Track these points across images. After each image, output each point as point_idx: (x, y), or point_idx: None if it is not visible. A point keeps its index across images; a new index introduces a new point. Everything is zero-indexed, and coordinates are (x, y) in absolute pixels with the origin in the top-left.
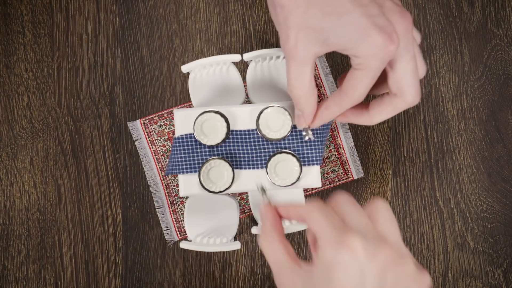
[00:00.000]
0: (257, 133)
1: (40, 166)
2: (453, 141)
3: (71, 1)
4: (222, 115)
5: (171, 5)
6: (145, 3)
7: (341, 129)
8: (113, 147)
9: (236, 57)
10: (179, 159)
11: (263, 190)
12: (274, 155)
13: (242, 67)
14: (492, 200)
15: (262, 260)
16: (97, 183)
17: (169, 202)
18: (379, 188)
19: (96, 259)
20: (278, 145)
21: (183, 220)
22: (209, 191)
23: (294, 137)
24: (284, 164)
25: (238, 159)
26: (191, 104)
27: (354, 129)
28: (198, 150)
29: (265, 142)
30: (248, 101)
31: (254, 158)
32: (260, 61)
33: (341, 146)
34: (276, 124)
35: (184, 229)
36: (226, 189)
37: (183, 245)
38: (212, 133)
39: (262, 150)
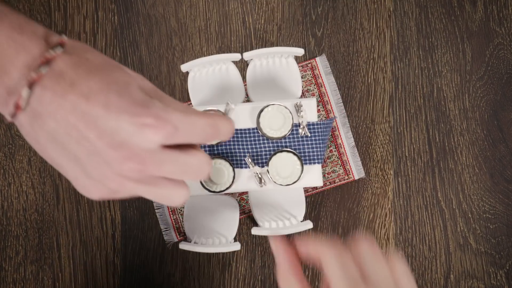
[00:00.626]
0: (258, 132)
1: (38, 166)
2: (455, 141)
3: None
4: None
5: (170, 4)
6: (144, 1)
7: (342, 128)
8: None
9: (236, 56)
10: None
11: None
12: (275, 153)
13: (242, 66)
14: (495, 200)
15: (262, 261)
16: None
17: None
18: (380, 189)
19: (94, 260)
20: (279, 144)
21: (183, 221)
22: (210, 191)
23: (295, 136)
24: (285, 163)
25: (238, 158)
26: (191, 103)
27: (355, 128)
28: None
29: (266, 141)
30: (248, 100)
31: (255, 157)
32: (260, 60)
33: (342, 146)
34: (276, 123)
35: (184, 230)
36: (227, 188)
37: (183, 246)
38: None
39: (263, 149)
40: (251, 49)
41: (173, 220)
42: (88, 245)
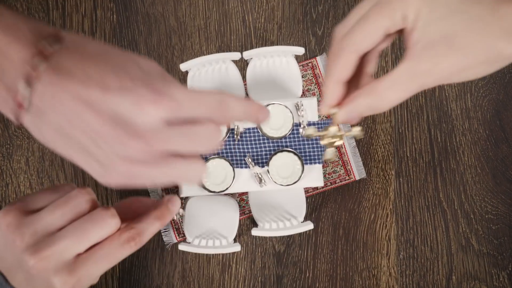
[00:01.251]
0: (258, 132)
1: (36, 167)
2: (457, 141)
3: None
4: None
5: (169, 3)
6: (143, 0)
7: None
8: None
9: (236, 55)
10: None
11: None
12: (275, 153)
13: (242, 65)
14: (497, 201)
15: (262, 263)
16: (94, 184)
17: None
18: (381, 189)
19: None
20: (280, 144)
21: (182, 222)
22: (210, 191)
23: (296, 136)
24: (286, 163)
25: (238, 158)
26: None
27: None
28: None
29: (266, 141)
30: None
31: (255, 157)
32: (260, 59)
33: (343, 146)
34: (277, 122)
35: (183, 231)
36: (227, 188)
37: (182, 247)
38: None
39: (263, 149)
40: (251, 48)
41: (172, 221)
42: None
